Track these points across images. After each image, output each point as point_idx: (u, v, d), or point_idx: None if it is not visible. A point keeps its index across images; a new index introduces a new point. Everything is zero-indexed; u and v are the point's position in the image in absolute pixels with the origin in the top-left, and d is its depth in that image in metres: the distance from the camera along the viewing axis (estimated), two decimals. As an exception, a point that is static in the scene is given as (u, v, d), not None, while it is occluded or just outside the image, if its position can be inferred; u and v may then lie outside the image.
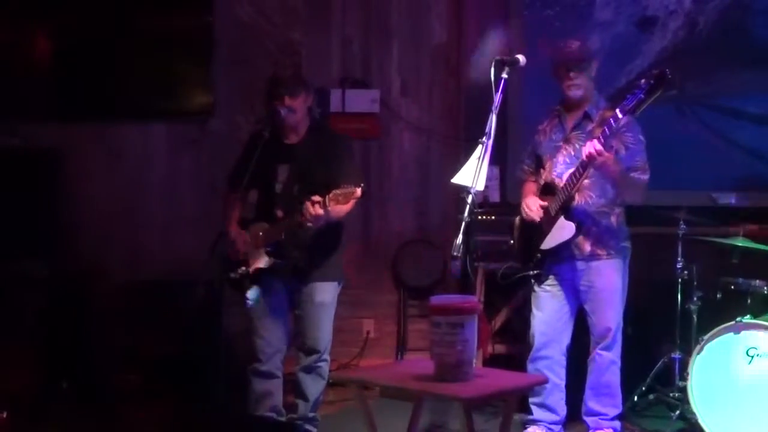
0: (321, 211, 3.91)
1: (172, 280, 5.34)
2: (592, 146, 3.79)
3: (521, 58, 3.59)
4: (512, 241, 4.35)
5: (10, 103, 5.61)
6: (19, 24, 5.69)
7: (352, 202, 3.95)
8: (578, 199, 4.06)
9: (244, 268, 4.14)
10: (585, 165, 3.88)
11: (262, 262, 4.14)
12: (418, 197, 5.78)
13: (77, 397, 5.04)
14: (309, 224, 3.98)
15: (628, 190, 4.04)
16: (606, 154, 3.81)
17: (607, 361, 4.16)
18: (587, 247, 4.11)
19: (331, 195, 3.90)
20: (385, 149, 5.81)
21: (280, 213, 4.13)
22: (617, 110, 3.76)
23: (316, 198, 3.94)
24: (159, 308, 5.20)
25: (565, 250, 4.10)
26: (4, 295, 4.96)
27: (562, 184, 4.04)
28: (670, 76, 3.63)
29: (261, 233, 4.16)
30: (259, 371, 4.20)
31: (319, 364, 4.23)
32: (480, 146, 3.40)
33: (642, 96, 3.68)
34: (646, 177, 4.04)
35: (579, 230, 4.00)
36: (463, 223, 3.28)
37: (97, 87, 5.66)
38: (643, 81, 3.71)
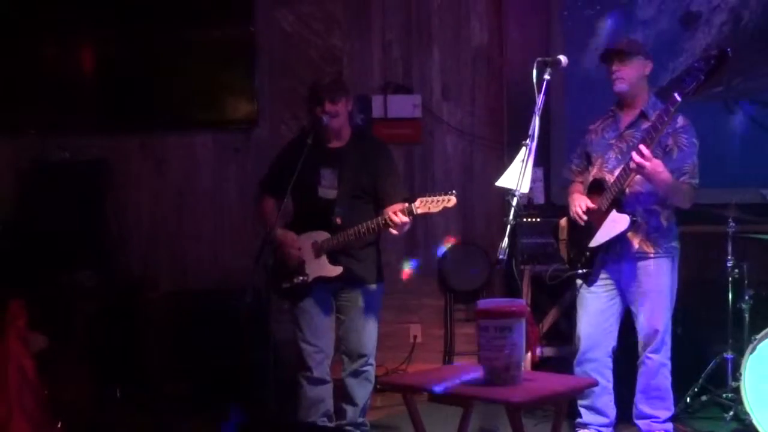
0: (407, 219, 3.92)
1: (220, 288, 5.39)
2: (639, 152, 3.73)
3: (563, 58, 3.58)
4: (555, 242, 4.32)
5: (57, 117, 5.72)
6: (63, 38, 5.78)
7: (441, 209, 3.92)
8: (629, 193, 4.01)
9: (301, 277, 4.13)
10: (631, 171, 3.85)
11: (327, 270, 4.11)
12: (462, 201, 5.61)
13: (130, 406, 5.10)
14: (394, 232, 3.98)
15: (675, 195, 4.00)
16: (654, 160, 3.77)
17: (656, 364, 4.11)
18: (635, 244, 4.06)
19: (418, 203, 3.90)
20: (428, 154, 5.80)
21: (339, 220, 4.10)
22: (675, 93, 3.68)
23: (399, 206, 3.96)
24: (207, 317, 5.23)
25: (612, 249, 4.06)
26: (56, 305, 5.01)
27: (612, 180, 4.00)
28: (731, 55, 3.56)
29: (320, 241, 4.12)
30: (311, 378, 4.20)
31: (366, 368, 4.24)
32: (524, 148, 3.39)
33: (702, 78, 3.60)
34: (694, 181, 3.99)
35: (633, 223, 3.95)
36: (509, 226, 3.27)
37: (142, 98, 5.74)
38: (701, 62, 3.63)
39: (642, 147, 3.76)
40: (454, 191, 3.89)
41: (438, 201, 3.88)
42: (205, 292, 5.48)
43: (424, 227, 5.74)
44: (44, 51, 5.78)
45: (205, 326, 5.22)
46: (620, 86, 4.05)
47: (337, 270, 4.11)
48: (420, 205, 3.90)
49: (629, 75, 4.02)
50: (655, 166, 3.80)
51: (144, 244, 5.80)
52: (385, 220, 3.97)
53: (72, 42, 5.81)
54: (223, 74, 5.76)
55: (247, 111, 5.78)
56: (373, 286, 4.23)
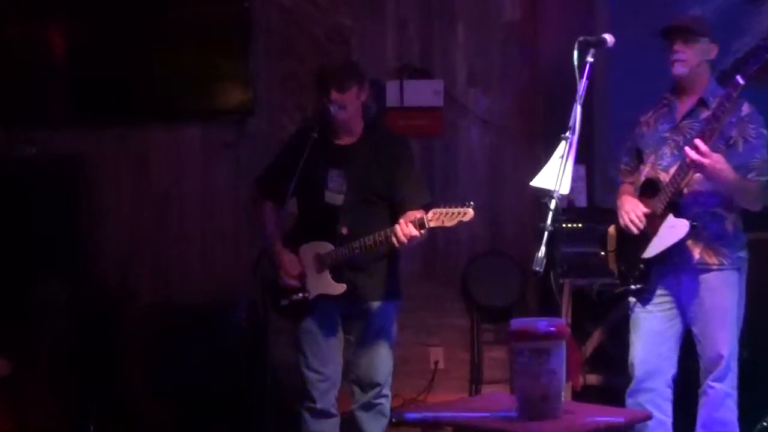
0: (417, 233, 3.90)
1: (210, 303, 5.40)
2: (696, 146, 3.70)
3: (609, 37, 3.56)
4: (603, 253, 4.27)
5: (24, 108, 5.76)
6: (30, 16, 5.80)
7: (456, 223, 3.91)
8: (687, 194, 3.96)
9: (301, 294, 4.11)
10: (688, 168, 3.82)
11: (330, 288, 4.10)
12: (490, 203, 5.70)
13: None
14: (399, 246, 3.96)
15: (742, 195, 3.96)
16: (713, 155, 3.73)
17: (721, 394, 4.04)
18: (696, 254, 4.00)
19: (430, 215, 3.89)
20: (451, 148, 5.79)
21: (344, 230, 4.09)
22: (737, 76, 3.66)
23: (411, 217, 3.95)
24: (194, 335, 5.25)
25: (669, 259, 4.01)
26: (21, 324, 5.04)
27: (668, 179, 3.95)
28: None
29: (323, 254, 4.10)
30: (314, 410, 4.18)
31: (380, 399, 4.22)
32: (563, 142, 3.37)
33: (767, 56, 3.60)
34: (764, 178, 3.94)
35: (693, 228, 3.90)
36: (546, 233, 3.26)
37: (120, 85, 5.75)
38: (766, 41, 3.65)
39: (698, 142, 3.73)
40: (471, 203, 3.89)
41: (453, 214, 3.87)
42: (191, 306, 5.50)
43: (445, 236, 5.65)
44: (7, 31, 5.79)
45: (192, 346, 5.22)
46: (679, 69, 4.01)
47: (340, 288, 4.10)
48: (433, 218, 3.89)
49: (691, 58, 3.98)
50: (715, 162, 3.76)
51: (122, 251, 5.81)
52: (394, 231, 3.95)
53: (40, 21, 5.81)
54: (214, 57, 5.75)
55: (241, 99, 5.78)
56: (381, 304, 4.19)
